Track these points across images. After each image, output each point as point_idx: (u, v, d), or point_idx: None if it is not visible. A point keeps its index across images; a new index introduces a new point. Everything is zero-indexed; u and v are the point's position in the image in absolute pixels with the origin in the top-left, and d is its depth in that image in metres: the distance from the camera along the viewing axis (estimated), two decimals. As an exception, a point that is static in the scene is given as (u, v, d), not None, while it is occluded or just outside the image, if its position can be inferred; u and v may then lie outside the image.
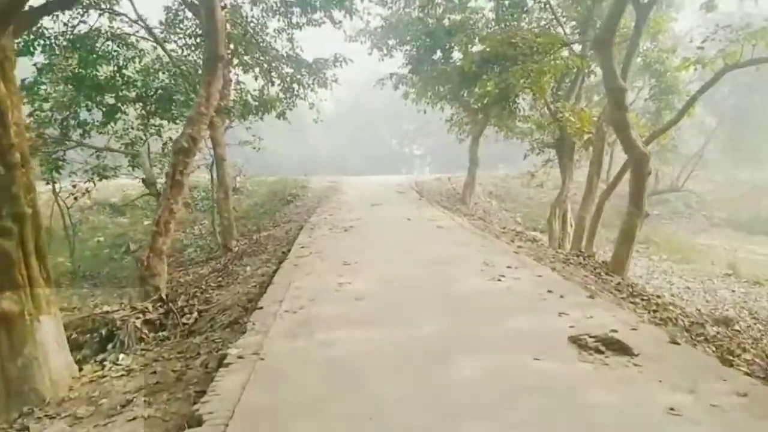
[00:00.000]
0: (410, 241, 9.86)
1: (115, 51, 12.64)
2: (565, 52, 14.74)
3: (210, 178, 15.04)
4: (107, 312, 6.86)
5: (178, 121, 13.01)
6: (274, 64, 14.33)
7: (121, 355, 5.35)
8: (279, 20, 14.14)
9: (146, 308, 6.80)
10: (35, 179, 4.92)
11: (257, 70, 14.14)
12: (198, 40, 13.02)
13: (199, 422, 3.29)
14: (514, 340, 4.48)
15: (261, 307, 5.72)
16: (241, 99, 13.85)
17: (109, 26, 12.63)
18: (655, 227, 22.26)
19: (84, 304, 11.36)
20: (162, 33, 13.44)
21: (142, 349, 5.69)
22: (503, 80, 14.19)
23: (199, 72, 10.98)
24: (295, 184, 22.68)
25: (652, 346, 4.26)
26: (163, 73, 13.23)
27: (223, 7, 11.63)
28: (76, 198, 14.01)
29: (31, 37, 11.23)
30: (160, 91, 12.94)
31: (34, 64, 11.94)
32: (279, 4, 13.73)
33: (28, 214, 4.51)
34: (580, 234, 14.41)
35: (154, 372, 4.67)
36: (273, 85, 14.63)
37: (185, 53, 13.57)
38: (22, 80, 11.82)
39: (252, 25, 13.86)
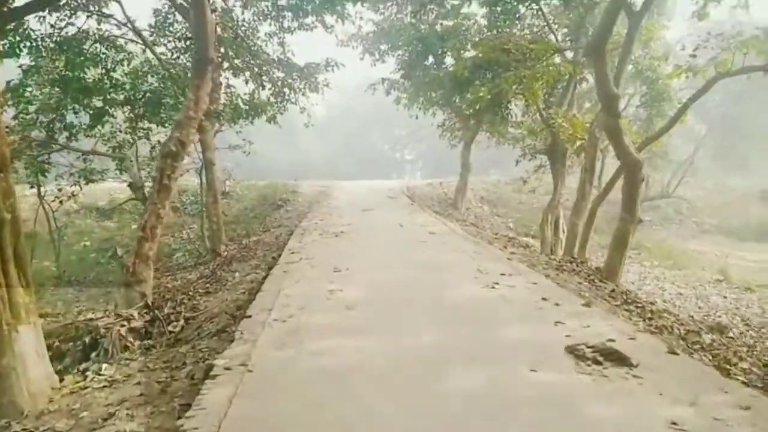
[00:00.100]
0: (402, 247, 9.74)
1: (103, 53, 12.49)
2: (557, 59, 14.75)
3: (199, 182, 14.87)
4: (91, 319, 6.67)
5: (167, 125, 12.83)
6: (264, 68, 14.21)
7: (104, 365, 5.18)
8: (270, 24, 14.04)
9: (131, 315, 6.63)
10: (15, 183, 4.75)
11: (248, 73, 14.01)
12: (187, 43, 12.88)
13: (183, 438, 3.15)
14: (510, 350, 4.37)
15: (249, 316, 5.57)
16: (231, 103, 13.71)
17: (97, 28, 12.48)
18: (646, 233, 22.31)
19: (69, 310, 11.11)
20: (151, 36, 13.28)
21: (126, 359, 5.52)
22: (496, 86, 14.14)
23: (189, 75, 10.82)
24: (285, 189, 22.52)
25: (651, 357, 4.16)
26: (152, 76, 13.09)
27: (214, 10, 11.50)
28: (61, 202, 13.78)
29: (18, 38, 11.05)
30: (148, 94, 12.79)
31: (20, 66, 11.75)
32: (270, 8, 13.60)
33: (7, 219, 4.34)
34: (573, 240, 14.38)
35: (138, 383, 4.51)
36: (264, 89, 14.50)
37: (174, 56, 13.42)
38: (8, 82, 11.65)
39: (243, 28, 13.73)
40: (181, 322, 6.56)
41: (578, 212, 14.60)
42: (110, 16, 12.49)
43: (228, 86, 14.23)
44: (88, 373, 5.07)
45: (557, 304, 5.77)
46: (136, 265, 7.63)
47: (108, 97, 12.61)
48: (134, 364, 5.23)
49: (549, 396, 3.53)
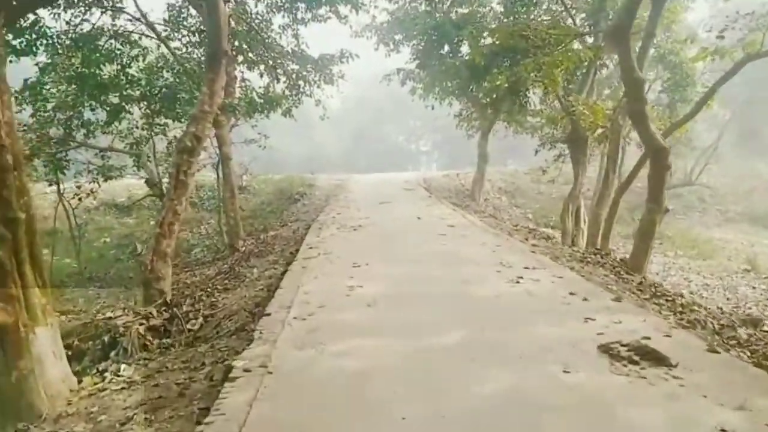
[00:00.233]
0: (421, 240, 9.56)
1: (118, 50, 12.44)
2: (576, 45, 14.36)
3: (216, 177, 14.82)
4: (110, 318, 6.64)
5: (183, 120, 12.75)
6: (279, 61, 14.05)
7: (123, 366, 5.12)
8: (284, 16, 13.85)
9: (150, 314, 6.57)
10: (34, 181, 4.70)
11: (262, 67, 13.88)
12: (202, 36, 12.77)
13: (202, 446, 3.03)
14: (540, 350, 4.16)
15: (269, 314, 5.45)
16: (246, 96, 13.58)
17: (111, 24, 12.41)
18: (669, 222, 21.74)
19: (89, 308, 11.16)
20: (165, 31, 13.20)
21: (144, 359, 5.46)
22: (514, 74, 13.83)
23: (204, 69, 10.72)
24: (301, 182, 22.44)
25: (690, 356, 3.94)
26: (167, 71, 13.02)
27: (227, 2, 11.36)
28: (80, 199, 13.81)
29: (34, 36, 11.02)
30: (164, 89, 12.71)
31: (36, 64, 11.74)
32: (284, 0, 13.43)
33: (22, 219, 4.25)
34: (595, 231, 14.05)
35: (157, 385, 4.42)
36: (278, 82, 14.36)
37: (189, 51, 13.35)
38: (25, 80, 11.66)
39: (256, 21, 13.58)
40: (200, 320, 6.48)
41: (601, 202, 14.26)
42: (123, 8, 12.39)
43: (243, 80, 14.11)
44: (106, 373, 5.01)
45: (585, 299, 5.56)
46: (154, 263, 7.56)
47: (124, 93, 12.57)
48: (153, 364, 5.16)
49: (585, 400, 3.34)
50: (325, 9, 13.52)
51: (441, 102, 19.54)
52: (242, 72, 14.01)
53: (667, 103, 18.16)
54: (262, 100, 13.66)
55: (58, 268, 14.26)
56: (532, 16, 15.80)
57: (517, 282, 6.35)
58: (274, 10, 13.67)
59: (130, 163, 14.10)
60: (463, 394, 3.52)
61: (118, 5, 12.34)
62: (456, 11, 17.53)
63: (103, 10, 12.17)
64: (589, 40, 15.17)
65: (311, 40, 14.40)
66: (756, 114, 31.42)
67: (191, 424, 3.47)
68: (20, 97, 11.36)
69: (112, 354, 5.74)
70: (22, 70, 11.14)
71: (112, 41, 12.33)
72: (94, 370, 5.24)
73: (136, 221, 19.21)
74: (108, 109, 12.61)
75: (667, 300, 6.89)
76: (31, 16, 10.49)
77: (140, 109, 13.20)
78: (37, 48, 11.18)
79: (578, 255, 9.44)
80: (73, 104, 12.02)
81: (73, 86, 11.94)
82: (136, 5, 12.54)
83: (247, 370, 3.99)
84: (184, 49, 13.37)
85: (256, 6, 13.58)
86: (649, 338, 4.21)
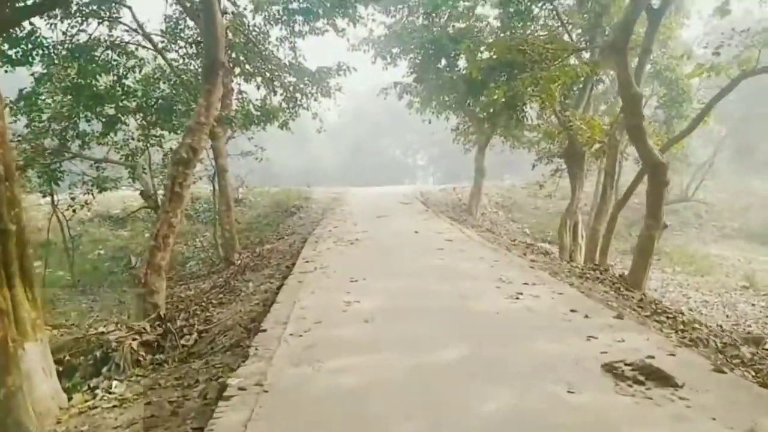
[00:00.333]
0: (419, 255, 9.47)
1: (115, 60, 12.41)
2: (572, 60, 14.44)
3: (212, 189, 14.72)
4: (102, 332, 6.48)
5: (179, 132, 12.72)
6: (276, 73, 14.06)
7: (115, 383, 4.98)
8: (281, 29, 13.86)
9: (143, 328, 6.42)
10: (28, 192, 4.61)
11: (259, 79, 13.88)
12: (199, 48, 12.76)
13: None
14: (542, 369, 4.07)
15: (264, 330, 5.34)
16: (243, 108, 13.56)
17: (108, 35, 12.39)
18: (666, 238, 21.75)
19: (82, 321, 10.99)
20: (162, 42, 13.19)
21: (137, 375, 5.32)
22: (511, 88, 13.86)
23: (200, 81, 10.69)
24: (298, 195, 22.36)
25: (696, 376, 3.85)
26: (164, 82, 12.99)
27: (224, 13, 11.36)
28: (75, 210, 13.67)
29: (30, 46, 10.96)
30: (160, 101, 12.68)
31: (32, 74, 11.69)
32: (281, 13, 13.44)
33: (12, 230, 4.15)
34: (593, 246, 13.99)
35: (149, 403, 4.29)
36: (275, 94, 14.36)
37: (186, 62, 13.33)
38: (20, 90, 11.59)
39: (254, 33, 13.59)
40: (194, 335, 6.35)
41: (599, 217, 14.23)
42: (119, 18, 12.37)
43: (240, 92, 14.10)
44: (97, 390, 4.88)
45: (587, 317, 5.48)
46: (148, 276, 7.43)
47: (120, 104, 12.51)
48: (145, 380, 5.03)
49: (590, 420, 3.25)
50: (323, 22, 13.55)
51: (438, 116, 19.57)
52: (239, 84, 14.02)
53: (663, 119, 18.22)
54: (258, 113, 13.64)
55: (51, 281, 14.08)
56: (528, 31, 15.89)
57: (517, 298, 6.27)
58: (272, 22, 13.69)
59: (126, 174, 13.98)
60: (462, 412, 3.43)
61: (115, 16, 12.34)
62: (453, 25, 17.62)
63: (100, 20, 12.15)
64: (586, 55, 15.26)
65: (308, 52, 14.49)
66: (752, 130, 31.63)
67: (183, 445, 3.35)
68: (15, 107, 11.29)
69: (104, 370, 5.58)
70: (17, 79, 11.07)
71: (109, 52, 12.30)
72: (85, 387, 5.10)
73: (131, 233, 19.04)
74: (104, 120, 12.55)
75: (668, 317, 6.82)
76: (28, 26, 10.45)
77: (136, 120, 13.14)
78: (33, 58, 11.11)
79: (577, 270, 9.37)
80: (68, 115, 11.95)
81: (69, 97, 11.88)
82: (133, 16, 12.55)
83: (242, 389, 3.88)
84: (180, 61, 13.35)
85: (253, 18, 13.61)
86: (653, 357, 4.12)
